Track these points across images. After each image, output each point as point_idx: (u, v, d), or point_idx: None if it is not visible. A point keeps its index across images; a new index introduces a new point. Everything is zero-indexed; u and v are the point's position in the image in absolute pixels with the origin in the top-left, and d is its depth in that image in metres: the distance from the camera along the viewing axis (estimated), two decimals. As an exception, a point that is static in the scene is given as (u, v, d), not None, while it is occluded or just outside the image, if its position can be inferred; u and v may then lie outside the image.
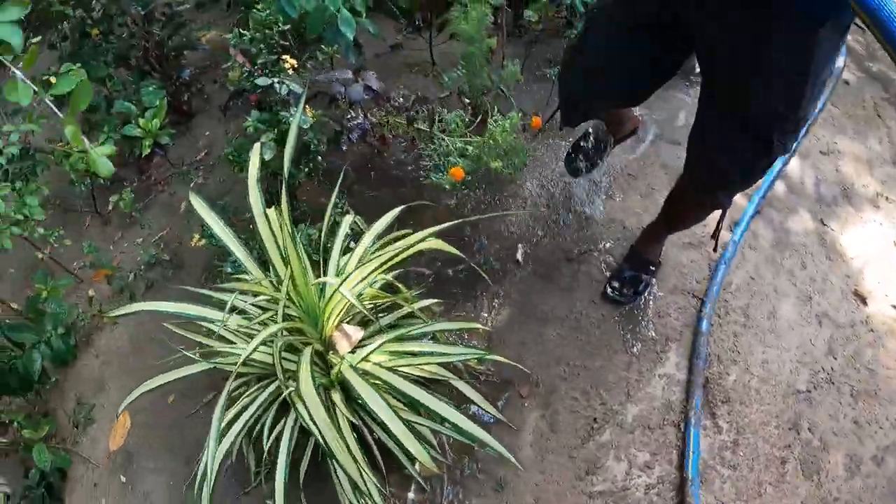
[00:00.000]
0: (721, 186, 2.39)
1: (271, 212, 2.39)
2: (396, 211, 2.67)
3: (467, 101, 3.66)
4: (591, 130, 3.22)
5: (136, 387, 3.08)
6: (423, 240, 2.20)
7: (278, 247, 2.29)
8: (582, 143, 3.25)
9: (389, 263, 2.17)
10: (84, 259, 3.79)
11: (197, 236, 3.29)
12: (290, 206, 2.78)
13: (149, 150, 3.58)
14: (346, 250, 2.69)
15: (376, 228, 2.60)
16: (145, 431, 3.14)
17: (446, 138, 3.39)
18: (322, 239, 2.63)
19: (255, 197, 2.36)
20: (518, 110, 3.51)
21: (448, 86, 3.69)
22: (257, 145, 2.51)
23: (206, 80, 4.66)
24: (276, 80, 2.70)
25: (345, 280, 2.26)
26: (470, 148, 3.25)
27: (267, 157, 2.66)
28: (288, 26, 3.03)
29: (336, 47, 3.31)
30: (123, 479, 3.03)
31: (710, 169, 2.33)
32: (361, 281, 2.18)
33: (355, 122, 3.34)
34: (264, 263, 2.50)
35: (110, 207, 3.93)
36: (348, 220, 2.73)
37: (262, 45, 2.82)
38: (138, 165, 4.21)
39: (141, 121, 3.59)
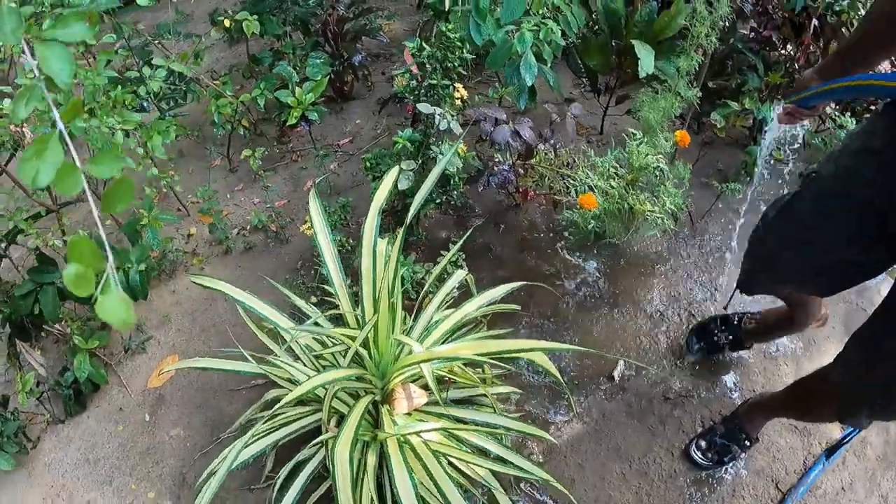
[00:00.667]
0: (871, 405, 2.01)
1: (382, 244, 2.23)
2: (511, 287, 2.44)
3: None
4: (737, 319, 2.91)
5: (198, 336, 3.00)
6: (528, 350, 1.96)
7: (374, 285, 2.12)
8: (715, 329, 2.94)
9: (482, 354, 1.94)
10: (199, 200, 3.81)
11: (308, 223, 3.17)
12: (407, 236, 2.62)
13: (294, 122, 3.52)
14: (446, 305, 2.49)
15: (484, 299, 2.38)
16: (186, 385, 3.10)
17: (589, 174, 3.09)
18: (427, 280, 2.45)
19: (370, 225, 2.20)
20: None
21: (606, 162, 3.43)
22: (395, 170, 2.36)
23: (375, 70, 4.59)
24: (438, 112, 2.53)
25: (428, 349, 2.06)
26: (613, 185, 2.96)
27: (402, 186, 2.50)
28: (471, 55, 2.86)
29: (510, 88, 3.12)
30: (148, 417, 3.02)
31: (869, 381, 1.96)
32: (445, 361, 1.96)
33: (500, 168, 3.14)
34: (356, 293, 2.33)
35: (241, 158, 3.92)
36: (459, 275, 2.53)
37: (437, 65, 2.66)
38: (281, 129, 4.19)
39: (297, 90, 3.53)
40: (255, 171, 3.71)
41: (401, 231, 2.05)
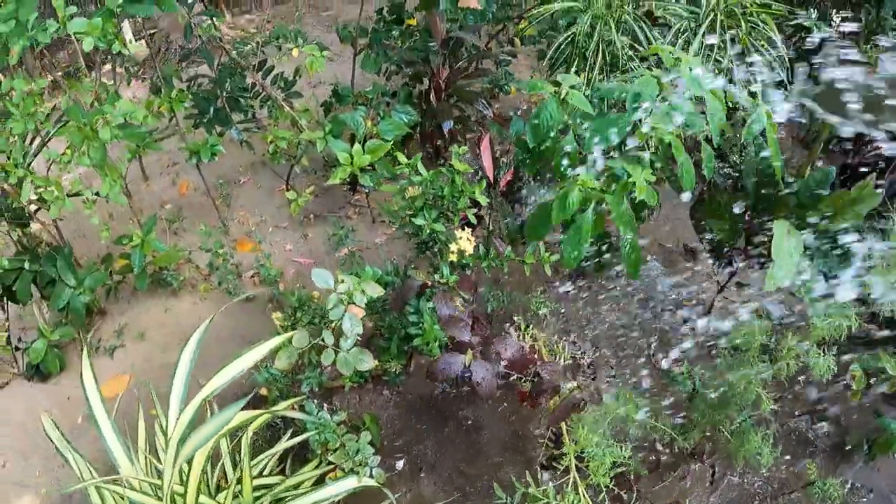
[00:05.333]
0: None
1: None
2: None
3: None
4: None
5: (157, 369, 3.01)
6: None
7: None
8: None
9: None
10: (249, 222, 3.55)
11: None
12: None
13: (337, 181, 2.99)
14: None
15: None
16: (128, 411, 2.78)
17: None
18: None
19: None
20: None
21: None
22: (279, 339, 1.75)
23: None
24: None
25: None
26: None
27: (279, 364, 1.88)
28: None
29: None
30: (80, 421, 2.86)
31: None
32: None
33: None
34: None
35: (289, 197, 3.48)
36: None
37: (456, 200, 1.99)
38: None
39: (355, 147, 2.99)
40: (296, 217, 3.25)
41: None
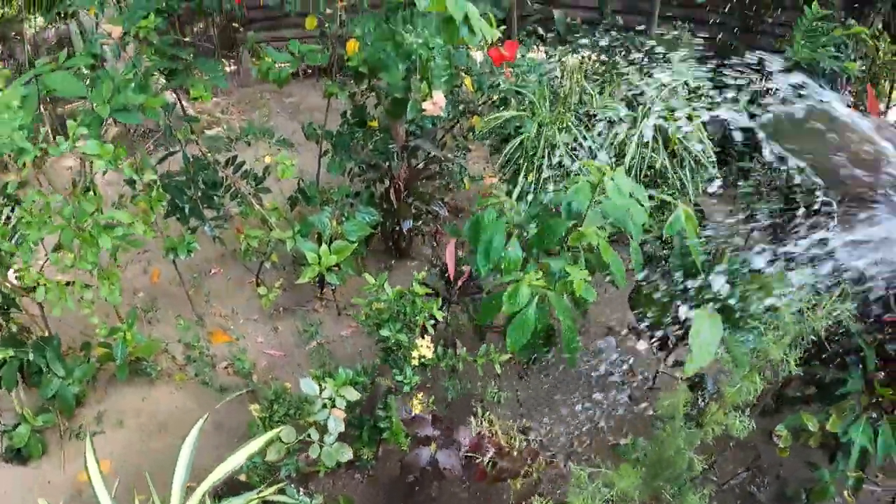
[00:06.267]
0: None
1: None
2: None
3: None
4: None
5: (135, 457, 3.17)
6: None
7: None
8: None
9: None
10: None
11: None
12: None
13: (306, 280, 3.24)
14: None
15: None
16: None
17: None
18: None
19: None
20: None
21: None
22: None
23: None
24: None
25: None
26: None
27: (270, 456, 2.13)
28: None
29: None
30: None
31: None
32: None
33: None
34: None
35: (259, 293, 3.71)
36: None
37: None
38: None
39: (323, 248, 3.26)
40: (266, 310, 3.47)
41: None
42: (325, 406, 2.28)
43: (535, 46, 6.64)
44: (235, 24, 6.85)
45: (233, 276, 4.18)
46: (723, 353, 2.58)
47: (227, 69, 8.47)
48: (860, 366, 2.83)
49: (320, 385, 2.27)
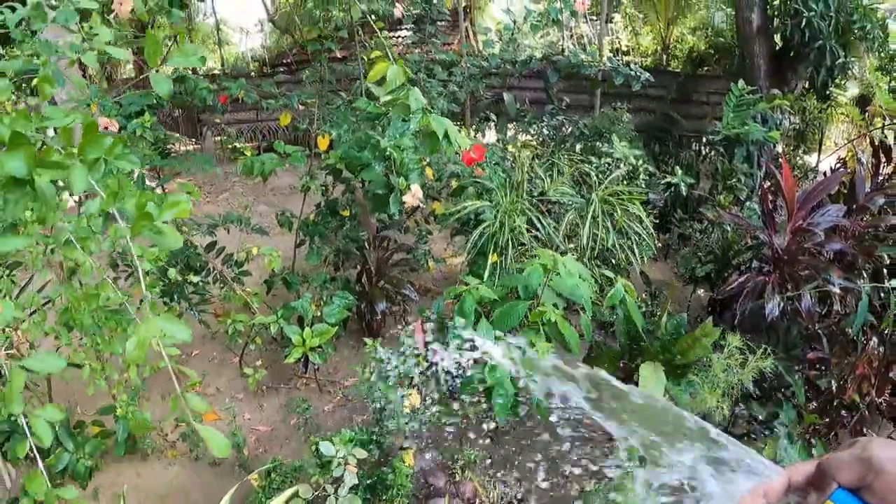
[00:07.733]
0: None
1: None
2: None
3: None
4: None
5: None
6: None
7: None
8: None
9: None
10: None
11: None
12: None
13: (292, 361, 3.54)
14: None
15: None
16: None
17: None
18: None
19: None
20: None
21: None
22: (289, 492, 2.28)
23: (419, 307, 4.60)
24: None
25: None
26: None
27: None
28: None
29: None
30: None
31: None
32: None
33: None
34: None
35: (247, 374, 3.96)
36: None
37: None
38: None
39: (306, 331, 3.57)
40: (251, 389, 3.72)
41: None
42: (339, 464, 2.59)
43: (487, 129, 7.22)
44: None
45: (214, 357, 4.42)
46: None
47: (192, 147, 8.87)
48: (791, 400, 3.29)
49: (335, 448, 2.61)
